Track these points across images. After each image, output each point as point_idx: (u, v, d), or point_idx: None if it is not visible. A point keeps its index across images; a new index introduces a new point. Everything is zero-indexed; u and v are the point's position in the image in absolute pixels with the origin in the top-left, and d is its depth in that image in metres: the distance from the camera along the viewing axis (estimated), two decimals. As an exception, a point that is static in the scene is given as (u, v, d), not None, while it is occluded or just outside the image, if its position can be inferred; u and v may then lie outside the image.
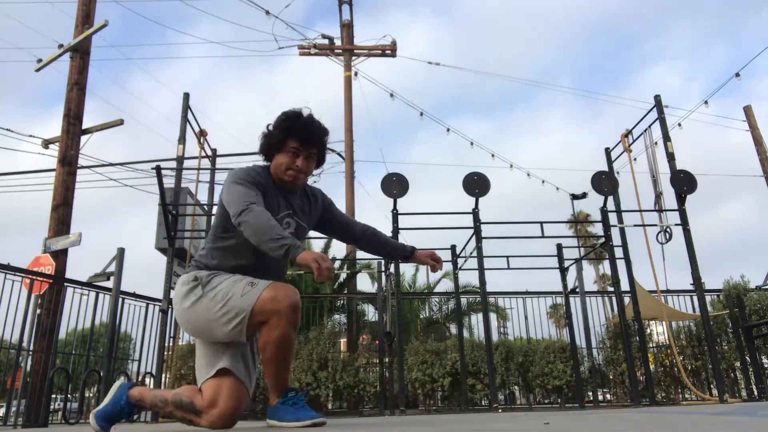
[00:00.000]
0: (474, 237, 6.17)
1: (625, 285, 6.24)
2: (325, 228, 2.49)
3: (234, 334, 1.98)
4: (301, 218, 2.28)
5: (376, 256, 2.56)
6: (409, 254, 2.50)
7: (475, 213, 6.18)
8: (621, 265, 6.20)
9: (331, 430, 1.93)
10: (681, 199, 6.20)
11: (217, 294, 2.02)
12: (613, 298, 7.18)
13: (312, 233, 2.51)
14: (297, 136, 2.16)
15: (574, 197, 12.20)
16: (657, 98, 6.48)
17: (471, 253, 6.52)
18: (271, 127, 2.22)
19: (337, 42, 11.69)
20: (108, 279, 6.01)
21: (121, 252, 5.84)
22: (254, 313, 1.94)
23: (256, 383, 6.37)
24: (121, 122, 8.04)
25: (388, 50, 11.78)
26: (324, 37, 11.65)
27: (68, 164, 7.40)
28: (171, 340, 6.34)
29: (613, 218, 6.35)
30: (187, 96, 6.53)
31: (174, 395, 2.09)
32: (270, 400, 2.09)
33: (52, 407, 6.67)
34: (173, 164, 6.66)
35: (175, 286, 2.22)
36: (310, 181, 2.44)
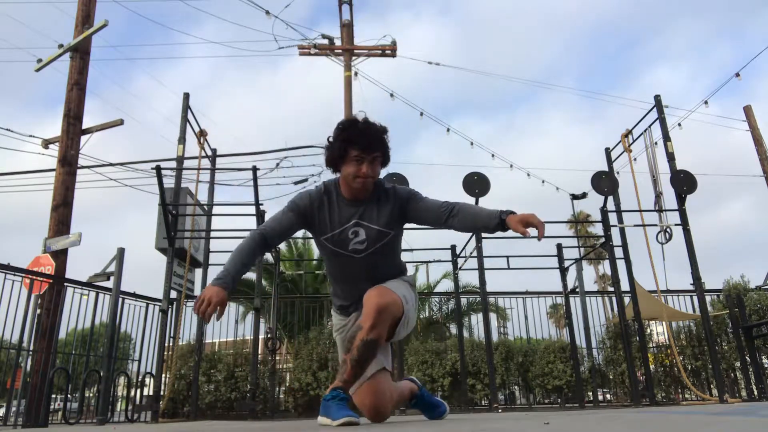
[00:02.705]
0: (474, 237, 6.17)
1: (625, 285, 6.25)
2: (413, 221, 2.42)
3: None
4: (376, 224, 2.28)
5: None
6: (500, 225, 2.20)
7: (475, 213, 6.17)
8: (621, 265, 6.20)
9: (331, 430, 1.94)
10: (681, 199, 6.20)
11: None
12: (613, 298, 7.18)
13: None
14: (357, 144, 2.18)
15: (574, 197, 12.20)
16: (657, 98, 6.48)
17: (471, 253, 6.52)
18: (330, 140, 2.26)
19: (337, 42, 11.69)
20: (108, 279, 6.01)
21: (121, 252, 5.83)
22: None
23: (255, 384, 6.30)
24: (121, 122, 8.03)
25: (388, 50, 11.77)
26: (324, 37, 11.64)
27: (68, 164, 7.40)
28: (171, 340, 6.33)
29: (613, 218, 6.35)
30: (187, 96, 6.53)
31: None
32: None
33: (52, 407, 6.68)
34: (173, 164, 6.66)
35: None
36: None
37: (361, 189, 2.25)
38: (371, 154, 2.20)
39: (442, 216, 2.34)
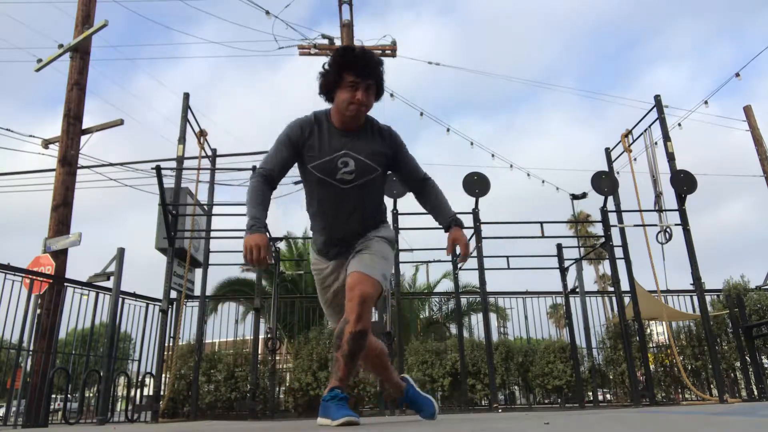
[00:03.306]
0: (474, 237, 6.17)
1: (625, 285, 6.25)
2: (395, 170, 2.45)
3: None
4: (365, 158, 2.27)
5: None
6: (445, 227, 2.47)
7: (475, 213, 6.18)
8: (621, 265, 6.20)
9: (330, 430, 1.94)
10: (681, 199, 6.20)
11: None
12: (613, 298, 7.18)
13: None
14: (352, 68, 2.18)
15: (574, 197, 12.18)
16: (657, 98, 6.48)
17: (471, 253, 6.52)
18: (326, 66, 2.27)
19: (338, 42, 11.68)
20: (108, 279, 6.01)
21: (121, 252, 5.83)
22: None
23: (255, 384, 6.28)
24: (121, 122, 8.03)
25: (388, 50, 11.76)
26: (324, 37, 11.64)
27: (68, 164, 7.40)
28: (171, 340, 6.34)
29: (613, 218, 6.35)
30: (186, 96, 6.53)
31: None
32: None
33: (52, 407, 6.67)
34: (173, 164, 6.66)
35: None
36: None
37: (353, 117, 2.23)
38: (366, 80, 2.20)
39: (419, 184, 2.48)
